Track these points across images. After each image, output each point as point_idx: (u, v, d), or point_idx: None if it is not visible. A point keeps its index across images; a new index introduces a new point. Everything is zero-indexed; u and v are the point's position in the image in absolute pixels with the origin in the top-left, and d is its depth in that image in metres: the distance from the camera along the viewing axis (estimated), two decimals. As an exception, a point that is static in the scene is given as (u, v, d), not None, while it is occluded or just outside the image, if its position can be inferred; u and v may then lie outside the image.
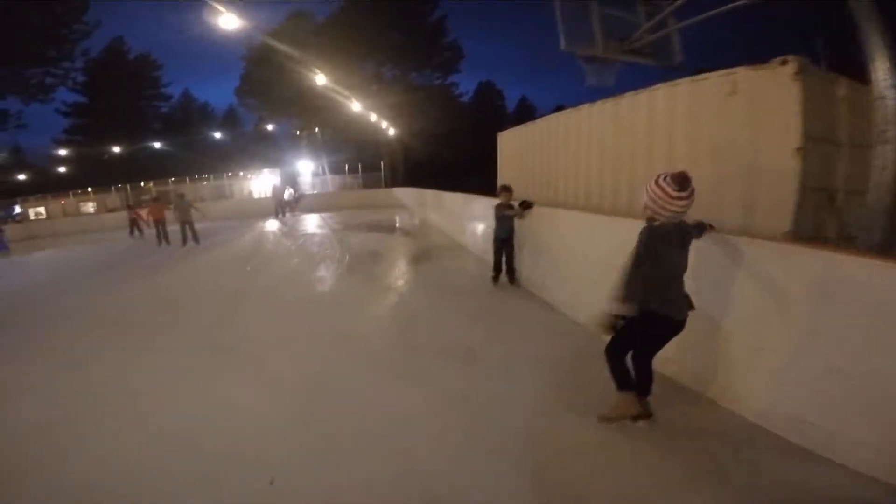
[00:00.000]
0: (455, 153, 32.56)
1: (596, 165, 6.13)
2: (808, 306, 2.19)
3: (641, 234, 2.20)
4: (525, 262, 5.62)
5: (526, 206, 5.31)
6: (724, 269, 2.54)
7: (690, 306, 2.28)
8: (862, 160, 3.67)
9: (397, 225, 14.23)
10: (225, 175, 27.45)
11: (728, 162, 3.93)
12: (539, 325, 4.26)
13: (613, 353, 2.39)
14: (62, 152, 34.23)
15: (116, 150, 30.88)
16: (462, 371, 3.38)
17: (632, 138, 5.33)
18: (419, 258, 8.23)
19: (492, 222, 5.67)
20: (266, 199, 20.86)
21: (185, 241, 11.20)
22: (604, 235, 3.79)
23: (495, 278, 5.79)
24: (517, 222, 5.41)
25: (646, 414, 2.41)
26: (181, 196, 12.49)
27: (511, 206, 5.35)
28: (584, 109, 6.48)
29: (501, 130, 10.41)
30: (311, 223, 16.10)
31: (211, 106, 46.69)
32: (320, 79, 13.68)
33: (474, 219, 8.52)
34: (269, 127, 34.71)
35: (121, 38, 38.86)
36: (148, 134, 36.59)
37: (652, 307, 2.18)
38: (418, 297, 5.60)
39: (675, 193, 2.06)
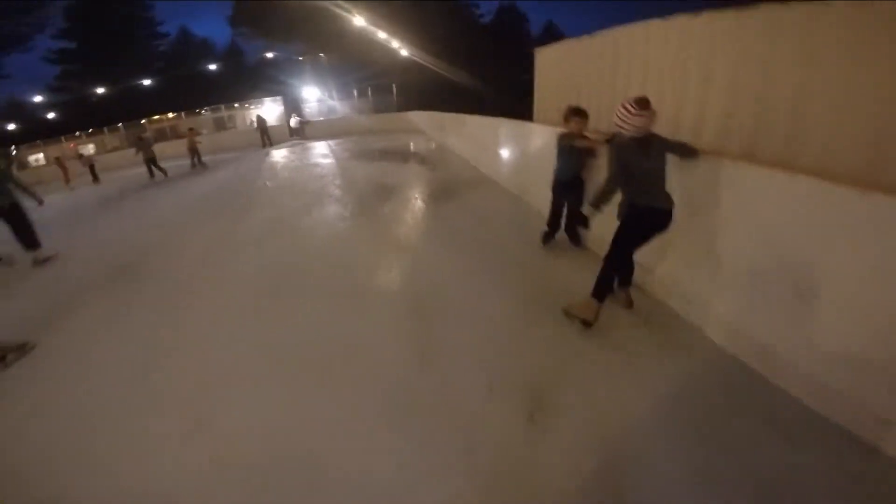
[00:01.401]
0: (472, 78, 28.58)
1: (671, 97, 4.08)
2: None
3: (608, 152, 2.50)
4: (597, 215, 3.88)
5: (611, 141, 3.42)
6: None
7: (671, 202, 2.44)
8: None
9: (412, 151, 12.33)
10: (222, 107, 26.02)
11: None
12: (645, 332, 2.65)
13: (611, 261, 2.54)
14: (50, 99, 33.31)
15: (107, 91, 29.68)
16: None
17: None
18: (440, 196, 6.48)
19: (542, 155, 3.87)
20: (277, 126, 20.92)
21: (152, 175, 12.66)
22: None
23: (548, 236, 4.10)
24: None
25: (627, 302, 2.82)
26: (141, 137, 13.40)
27: (585, 137, 3.50)
28: (655, 25, 4.36)
29: (524, 57, 7.87)
30: (316, 152, 14.31)
31: (211, 41, 46.48)
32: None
33: (513, 148, 6.62)
34: (269, 55, 32.40)
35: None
36: (145, 74, 34.18)
37: (636, 201, 2.44)
38: (444, 266, 3.92)
39: (635, 111, 2.30)
